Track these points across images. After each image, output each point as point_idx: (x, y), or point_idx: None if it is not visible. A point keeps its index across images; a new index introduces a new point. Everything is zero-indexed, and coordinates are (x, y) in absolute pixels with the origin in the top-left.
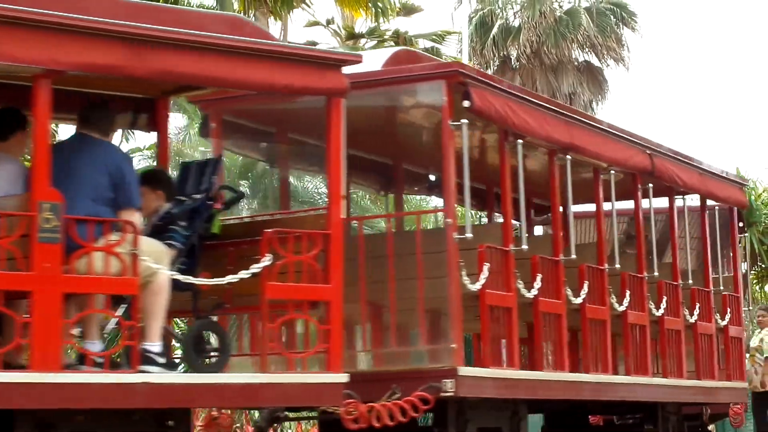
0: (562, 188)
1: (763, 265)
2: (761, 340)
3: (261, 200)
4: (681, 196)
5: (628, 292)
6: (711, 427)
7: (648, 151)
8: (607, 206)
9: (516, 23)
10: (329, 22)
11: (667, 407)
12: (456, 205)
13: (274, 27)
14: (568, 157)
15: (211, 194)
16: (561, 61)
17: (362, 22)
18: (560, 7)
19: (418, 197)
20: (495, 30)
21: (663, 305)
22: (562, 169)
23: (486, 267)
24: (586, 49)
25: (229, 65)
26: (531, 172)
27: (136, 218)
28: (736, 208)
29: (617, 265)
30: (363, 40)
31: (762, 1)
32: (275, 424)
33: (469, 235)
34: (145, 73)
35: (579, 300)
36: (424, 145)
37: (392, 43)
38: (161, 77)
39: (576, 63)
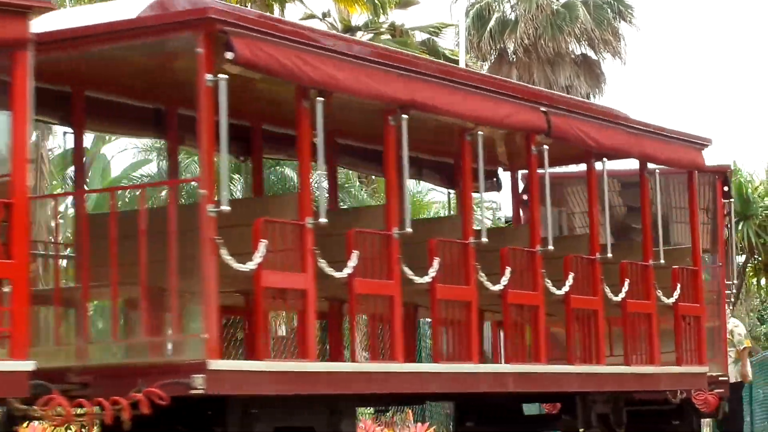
0: (398, 152)
1: (759, 258)
2: (730, 332)
3: None
4: (602, 160)
5: (508, 269)
6: (706, 420)
7: (543, 108)
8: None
9: (513, 16)
10: (325, 15)
11: (591, 396)
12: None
13: None
14: (404, 116)
15: None
16: (558, 54)
17: (358, 15)
18: (557, 0)
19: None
20: (492, 23)
21: (569, 282)
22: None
23: (263, 244)
24: (583, 42)
25: None
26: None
27: None
28: (696, 171)
29: (484, 239)
30: (360, 33)
31: None
32: (15, 426)
33: (225, 207)
34: None
35: (426, 279)
36: (279, 105)
37: (389, 36)
38: None
39: (573, 56)
